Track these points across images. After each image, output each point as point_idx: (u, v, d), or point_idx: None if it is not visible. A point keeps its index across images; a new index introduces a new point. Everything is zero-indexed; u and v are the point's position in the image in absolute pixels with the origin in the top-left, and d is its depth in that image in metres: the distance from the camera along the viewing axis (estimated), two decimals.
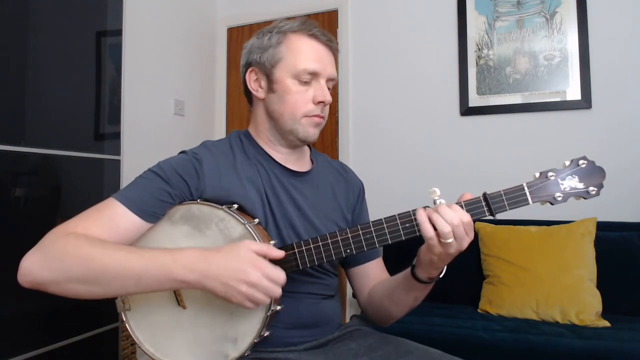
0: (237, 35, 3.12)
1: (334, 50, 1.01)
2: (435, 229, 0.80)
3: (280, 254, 0.85)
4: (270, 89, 0.99)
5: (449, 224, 0.79)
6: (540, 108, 2.35)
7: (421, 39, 2.62)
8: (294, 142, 1.01)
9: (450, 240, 0.80)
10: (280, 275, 0.81)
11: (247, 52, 1.02)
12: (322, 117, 1.00)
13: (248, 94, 1.05)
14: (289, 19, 1.03)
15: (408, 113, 2.63)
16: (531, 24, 2.39)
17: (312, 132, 0.99)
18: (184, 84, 2.79)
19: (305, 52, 0.96)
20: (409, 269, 0.94)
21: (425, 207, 0.83)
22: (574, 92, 2.30)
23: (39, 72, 1.86)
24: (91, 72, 2.11)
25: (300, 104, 0.97)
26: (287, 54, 0.96)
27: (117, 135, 2.22)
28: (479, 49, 2.48)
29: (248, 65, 1.02)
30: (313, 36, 0.98)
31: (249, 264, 0.79)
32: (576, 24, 2.30)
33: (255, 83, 1.01)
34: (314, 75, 0.97)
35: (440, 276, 0.92)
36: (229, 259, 0.80)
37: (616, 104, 2.24)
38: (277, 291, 0.80)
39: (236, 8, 3.10)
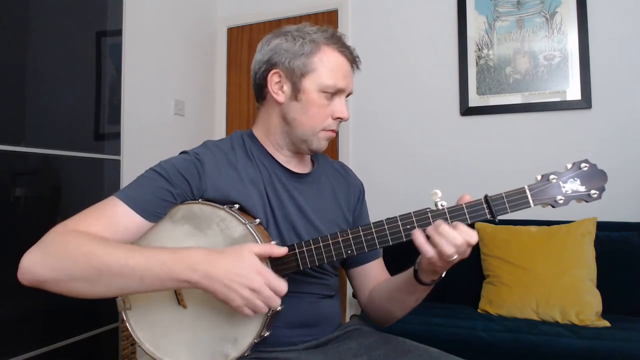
0: (237, 35, 3.12)
1: (356, 67, 1.02)
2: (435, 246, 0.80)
3: (283, 251, 0.86)
4: (295, 96, 0.97)
5: (452, 245, 0.79)
6: (540, 108, 2.35)
7: (421, 39, 2.62)
8: (303, 151, 1.02)
9: (454, 258, 0.80)
10: (282, 286, 0.81)
11: (271, 50, 0.99)
12: (335, 132, 1.02)
13: (260, 91, 1.03)
14: (311, 23, 1.01)
15: (408, 113, 2.64)
16: (531, 24, 2.39)
17: (324, 145, 1.01)
18: (184, 84, 2.78)
19: (336, 69, 0.97)
20: (410, 271, 0.94)
21: (421, 228, 0.83)
22: (574, 92, 2.30)
23: (38, 72, 1.85)
24: (91, 72, 2.11)
25: (321, 117, 0.98)
26: (319, 67, 0.96)
27: (117, 135, 2.23)
28: (479, 49, 2.48)
29: (272, 64, 0.98)
30: (342, 52, 0.98)
31: (253, 270, 0.79)
32: (576, 24, 2.30)
33: (276, 85, 0.99)
34: (338, 91, 0.98)
35: (442, 276, 0.92)
36: (234, 263, 0.79)
37: (616, 104, 2.24)
38: (277, 301, 0.81)
39: (236, 8, 3.10)
